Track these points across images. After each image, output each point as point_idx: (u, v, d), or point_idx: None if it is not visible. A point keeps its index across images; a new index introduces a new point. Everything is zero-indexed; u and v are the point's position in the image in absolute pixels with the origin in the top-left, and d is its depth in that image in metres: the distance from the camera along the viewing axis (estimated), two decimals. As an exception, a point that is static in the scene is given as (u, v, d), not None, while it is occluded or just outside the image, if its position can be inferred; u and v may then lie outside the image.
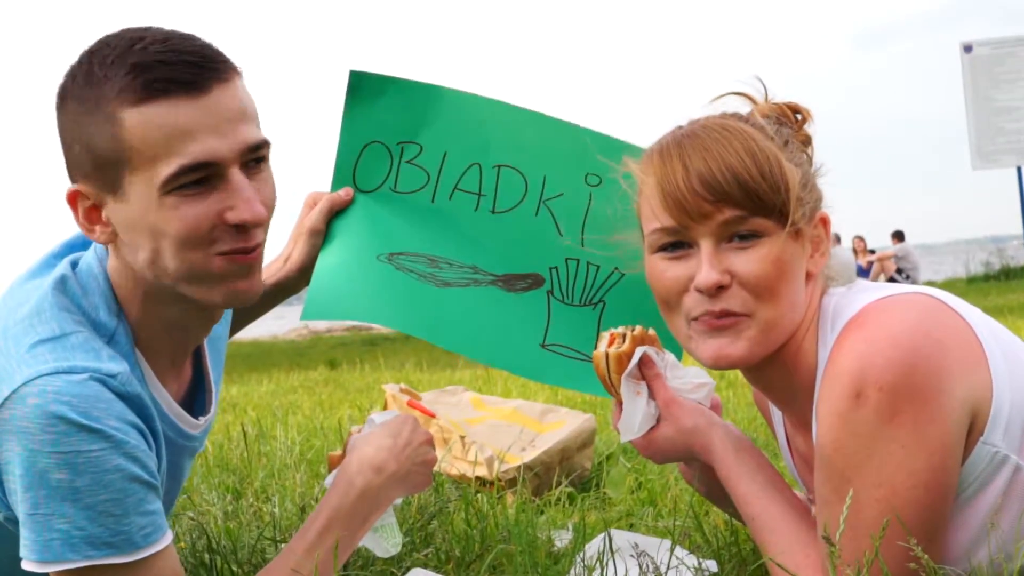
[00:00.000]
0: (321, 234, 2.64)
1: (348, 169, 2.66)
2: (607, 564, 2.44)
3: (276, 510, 3.60)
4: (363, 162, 2.66)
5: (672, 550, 2.44)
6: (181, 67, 2.02)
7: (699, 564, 2.42)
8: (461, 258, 2.63)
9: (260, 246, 2.14)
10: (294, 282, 2.66)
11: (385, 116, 2.65)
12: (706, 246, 2.08)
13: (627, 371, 2.26)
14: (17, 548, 2.05)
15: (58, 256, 2.26)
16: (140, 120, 2.01)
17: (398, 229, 2.65)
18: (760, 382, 2.26)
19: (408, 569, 2.59)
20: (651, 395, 2.29)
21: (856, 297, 2.11)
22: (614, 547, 2.55)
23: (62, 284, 2.13)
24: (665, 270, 2.13)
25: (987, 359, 2.02)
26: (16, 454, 1.96)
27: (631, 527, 3.26)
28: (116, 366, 2.04)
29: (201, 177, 2.04)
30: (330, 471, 2.42)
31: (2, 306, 2.14)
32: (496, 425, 4.23)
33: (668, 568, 2.37)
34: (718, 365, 2.13)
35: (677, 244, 2.12)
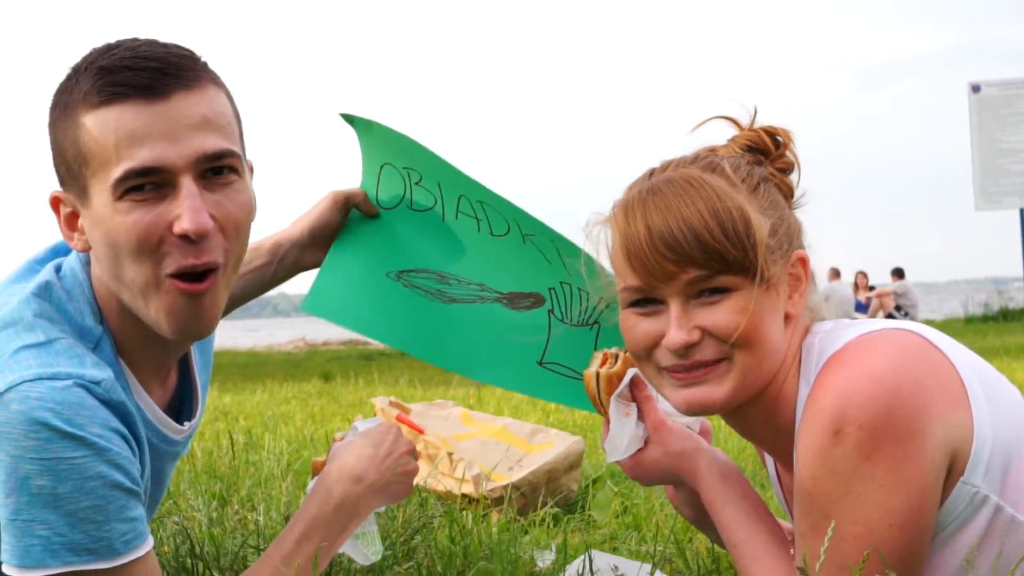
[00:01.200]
0: (342, 209, 2.66)
1: (372, 186, 2.68)
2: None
3: (261, 518, 3.60)
4: (383, 180, 2.69)
5: (652, 574, 2.44)
6: (143, 73, 2.00)
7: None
8: (470, 275, 2.65)
9: (215, 272, 2.07)
10: (294, 243, 2.63)
11: (383, 147, 2.68)
12: (674, 306, 2.06)
13: (617, 391, 2.26)
14: None
15: (42, 262, 2.25)
16: (96, 123, 2.00)
17: (411, 245, 2.67)
18: (741, 426, 2.24)
19: (388, 582, 2.59)
20: (640, 417, 2.28)
21: (840, 333, 2.09)
22: (595, 569, 2.55)
23: (46, 290, 2.12)
24: (635, 325, 2.12)
25: (968, 399, 2.00)
26: None
27: (614, 550, 3.25)
28: (100, 373, 2.03)
29: (152, 182, 2.01)
30: (313, 477, 2.42)
31: None
32: (485, 442, 4.23)
33: None
34: (691, 412, 2.12)
35: (647, 300, 2.10)
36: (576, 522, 3.80)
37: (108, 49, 2.05)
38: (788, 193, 2.19)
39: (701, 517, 2.40)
